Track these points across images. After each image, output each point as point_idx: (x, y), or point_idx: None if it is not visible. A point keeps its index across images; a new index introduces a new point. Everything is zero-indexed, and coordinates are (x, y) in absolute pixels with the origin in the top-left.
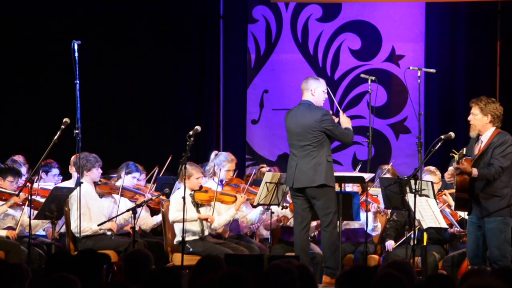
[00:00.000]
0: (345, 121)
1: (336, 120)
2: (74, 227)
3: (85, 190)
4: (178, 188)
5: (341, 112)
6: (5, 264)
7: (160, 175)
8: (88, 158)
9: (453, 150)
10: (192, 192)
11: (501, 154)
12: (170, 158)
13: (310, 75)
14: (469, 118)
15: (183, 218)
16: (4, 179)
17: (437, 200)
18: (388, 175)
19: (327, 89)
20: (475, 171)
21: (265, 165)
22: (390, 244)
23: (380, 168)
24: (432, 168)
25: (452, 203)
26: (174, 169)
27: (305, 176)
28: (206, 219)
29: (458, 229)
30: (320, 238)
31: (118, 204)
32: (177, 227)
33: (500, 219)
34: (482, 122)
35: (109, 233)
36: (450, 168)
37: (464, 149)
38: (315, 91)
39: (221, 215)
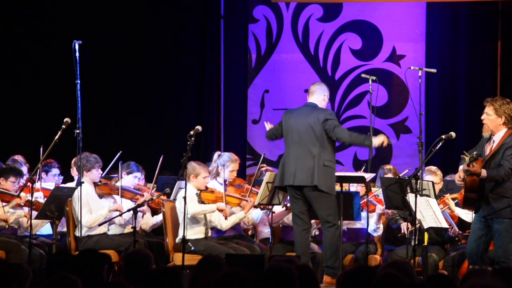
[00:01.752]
0: (378, 137)
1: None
2: (84, 221)
3: (86, 190)
4: (181, 188)
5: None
6: (6, 264)
7: (156, 175)
8: (89, 159)
9: (464, 151)
10: (198, 192)
11: None
12: (161, 158)
13: (310, 75)
14: (482, 117)
15: (184, 218)
16: (6, 179)
17: (438, 202)
18: (390, 175)
19: None
20: (484, 172)
21: (265, 165)
22: (405, 225)
23: (381, 168)
24: (433, 168)
25: (454, 208)
26: (174, 169)
27: (303, 174)
28: (223, 210)
29: (457, 231)
30: (321, 238)
31: (121, 204)
32: (181, 227)
33: (508, 220)
34: (495, 123)
35: (114, 215)
36: (460, 168)
37: (475, 152)
38: (325, 97)
39: (229, 216)
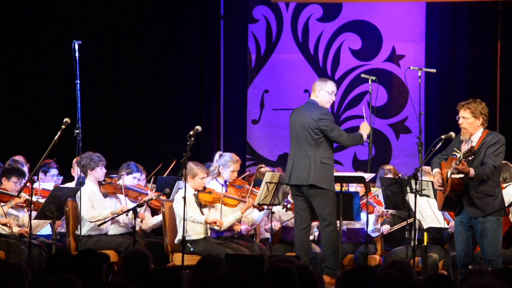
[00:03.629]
0: (362, 127)
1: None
2: (84, 212)
3: (90, 190)
4: (180, 188)
5: (364, 120)
6: (5, 264)
7: (164, 175)
8: (92, 157)
9: (455, 149)
10: (196, 192)
11: (494, 153)
12: (174, 162)
13: (310, 75)
14: (460, 122)
15: (184, 218)
16: (8, 179)
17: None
18: (390, 176)
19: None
20: (472, 171)
21: (263, 165)
22: (385, 228)
23: (382, 168)
24: (426, 168)
25: None
26: (174, 169)
27: (299, 173)
28: (215, 223)
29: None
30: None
31: (126, 204)
32: (180, 226)
33: (494, 219)
34: (474, 125)
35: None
36: (435, 172)
37: (471, 146)
38: (319, 92)
39: (226, 217)
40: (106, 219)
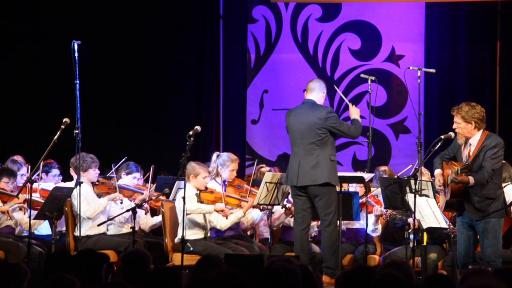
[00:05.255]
0: (354, 112)
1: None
2: (83, 212)
3: (84, 190)
4: (180, 188)
5: (349, 104)
6: (4, 264)
7: (151, 181)
8: (85, 159)
9: (452, 162)
10: (198, 192)
11: (493, 156)
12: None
13: (310, 75)
14: (454, 127)
15: (183, 219)
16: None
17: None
18: (385, 177)
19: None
20: (471, 180)
21: (264, 165)
22: (411, 220)
23: (377, 169)
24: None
25: None
26: (174, 169)
27: (308, 174)
28: (222, 211)
29: (452, 227)
30: (320, 238)
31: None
32: (180, 227)
33: (495, 220)
34: (467, 129)
35: (115, 215)
36: (437, 172)
37: (468, 163)
38: (319, 93)
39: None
40: (108, 218)
